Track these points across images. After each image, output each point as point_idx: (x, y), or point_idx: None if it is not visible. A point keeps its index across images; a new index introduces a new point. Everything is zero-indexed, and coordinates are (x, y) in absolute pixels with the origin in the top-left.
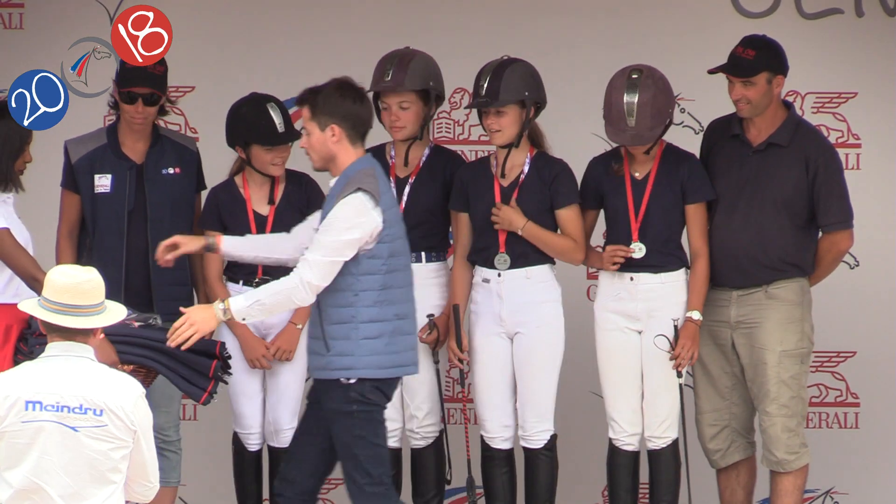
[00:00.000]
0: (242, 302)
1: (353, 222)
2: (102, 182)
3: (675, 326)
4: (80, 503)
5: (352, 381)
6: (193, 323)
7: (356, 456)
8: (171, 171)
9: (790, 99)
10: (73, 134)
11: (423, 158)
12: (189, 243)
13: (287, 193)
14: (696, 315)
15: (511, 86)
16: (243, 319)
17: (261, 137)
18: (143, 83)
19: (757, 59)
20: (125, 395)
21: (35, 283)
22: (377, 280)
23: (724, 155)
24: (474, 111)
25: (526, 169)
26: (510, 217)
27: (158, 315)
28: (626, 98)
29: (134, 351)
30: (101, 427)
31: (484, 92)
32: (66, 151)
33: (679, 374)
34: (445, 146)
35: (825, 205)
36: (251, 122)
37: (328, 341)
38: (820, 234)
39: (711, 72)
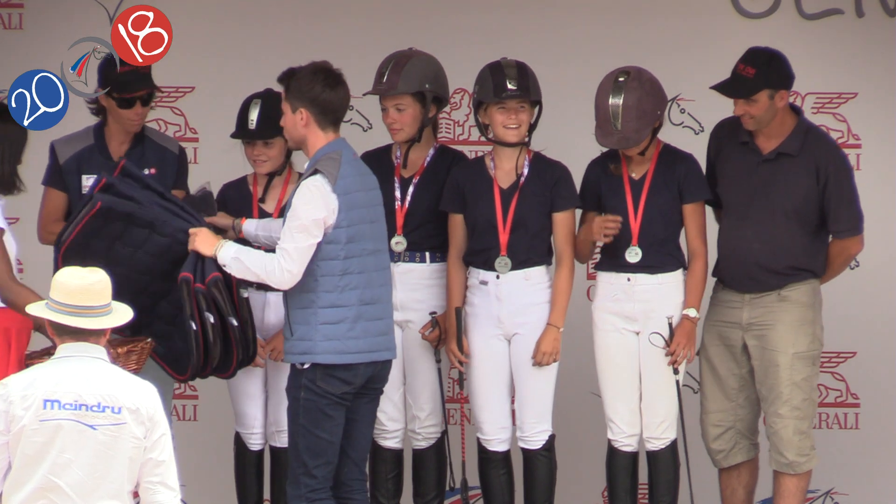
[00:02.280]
0: (230, 252)
1: (313, 203)
2: (90, 183)
3: (670, 324)
4: (96, 502)
5: (305, 366)
6: (195, 239)
7: (296, 443)
8: (147, 171)
9: (790, 99)
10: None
11: (428, 159)
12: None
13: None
14: (692, 313)
15: (535, 84)
16: (224, 266)
17: (236, 131)
18: (140, 86)
19: (756, 77)
20: (143, 393)
21: (4, 292)
22: (336, 265)
23: (733, 162)
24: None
25: (525, 171)
26: None
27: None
28: (611, 101)
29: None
30: (119, 425)
31: (517, 86)
32: (53, 151)
33: (675, 371)
34: (451, 147)
35: (835, 212)
36: (237, 117)
37: (291, 326)
38: (830, 237)
39: (713, 88)
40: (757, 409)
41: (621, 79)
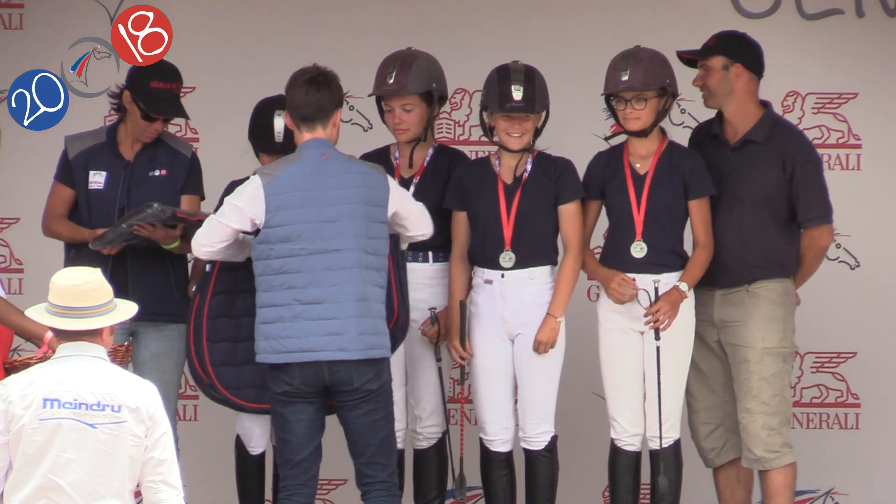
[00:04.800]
0: None
1: (238, 193)
2: (96, 179)
3: (656, 289)
4: (97, 501)
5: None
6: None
7: None
8: (157, 173)
9: (790, 99)
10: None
11: (428, 158)
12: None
13: None
14: (683, 286)
15: (542, 93)
16: None
17: (257, 143)
18: (170, 111)
19: (716, 44)
20: (143, 392)
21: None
22: (270, 265)
23: (705, 155)
24: (475, 112)
25: (528, 168)
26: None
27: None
28: (623, 55)
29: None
30: (119, 423)
31: (522, 98)
32: (65, 146)
33: (656, 337)
34: (449, 146)
35: (804, 201)
36: (255, 124)
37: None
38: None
39: (678, 53)
40: None
41: (635, 46)
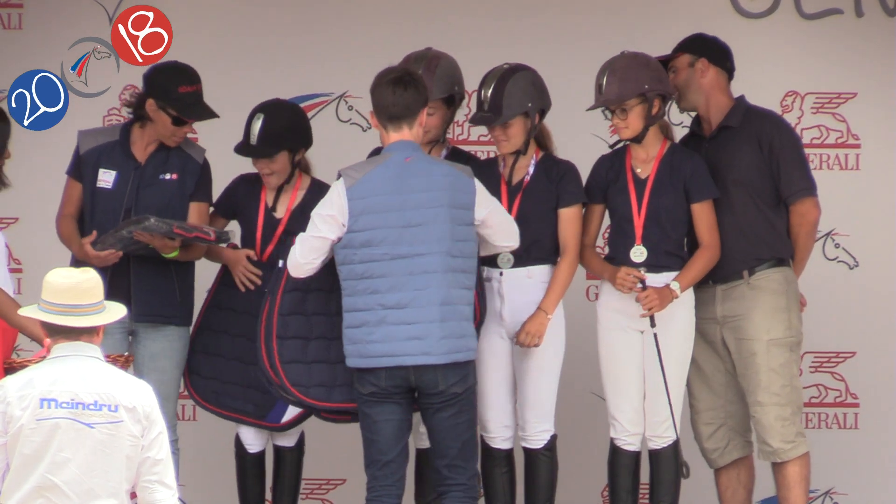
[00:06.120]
0: None
1: (326, 201)
2: (105, 178)
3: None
4: (94, 500)
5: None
6: None
7: None
8: (167, 176)
9: (789, 99)
10: (72, 134)
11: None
12: None
13: (304, 201)
14: (674, 286)
15: (513, 100)
16: None
17: (238, 145)
18: (206, 114)
19: (681, 44)
20: (139, 392)
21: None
22: (354, 270)
23: None
24: (475, 111)
25: (531, 170)
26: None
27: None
28: (602, 67)
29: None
30: (116, 423)
31: (487, 107)
32: (78, 141)
33: (651, 324)
34: (462, 148)
35: (786, 175)
36: (245, 128)
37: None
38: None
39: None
40: (746, 405)
41: (619, 53)
